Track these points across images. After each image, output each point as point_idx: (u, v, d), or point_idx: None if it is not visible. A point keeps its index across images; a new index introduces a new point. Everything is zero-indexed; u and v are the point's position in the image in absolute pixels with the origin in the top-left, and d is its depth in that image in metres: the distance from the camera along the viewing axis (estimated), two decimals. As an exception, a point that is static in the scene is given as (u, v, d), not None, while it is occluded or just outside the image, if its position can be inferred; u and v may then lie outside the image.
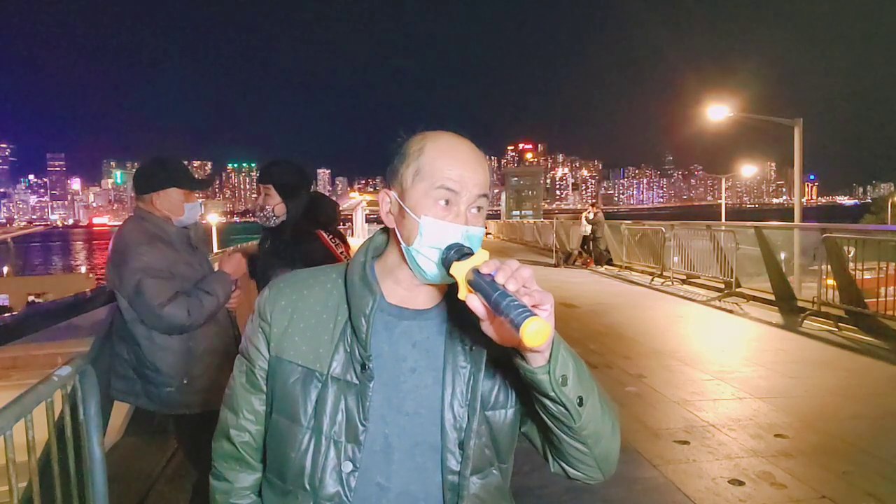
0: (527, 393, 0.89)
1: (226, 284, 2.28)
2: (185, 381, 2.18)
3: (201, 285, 2.20)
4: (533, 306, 0.72)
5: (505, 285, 0.73)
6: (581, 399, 0.85)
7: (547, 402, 0.84)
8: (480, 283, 0.75)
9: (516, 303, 0.70)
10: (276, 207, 2.38)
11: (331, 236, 2.44)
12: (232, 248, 6.45)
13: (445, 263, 0.83)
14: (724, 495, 2.92)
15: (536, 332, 0.67)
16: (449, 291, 0.95)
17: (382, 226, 0.99)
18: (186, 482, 2.77)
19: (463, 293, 0.79)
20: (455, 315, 0.93)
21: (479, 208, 0.90)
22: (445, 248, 0.85)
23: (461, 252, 0.82)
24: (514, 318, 0.68)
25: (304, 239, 2.36)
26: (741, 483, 3.04)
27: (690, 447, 3.49)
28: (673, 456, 3.39)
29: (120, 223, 2.47)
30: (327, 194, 2.71)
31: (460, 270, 0.80)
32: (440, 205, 0.88)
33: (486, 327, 0.79)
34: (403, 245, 0.91)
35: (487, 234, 31.20)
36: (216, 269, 2.39)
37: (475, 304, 0.77)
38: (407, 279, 0.94)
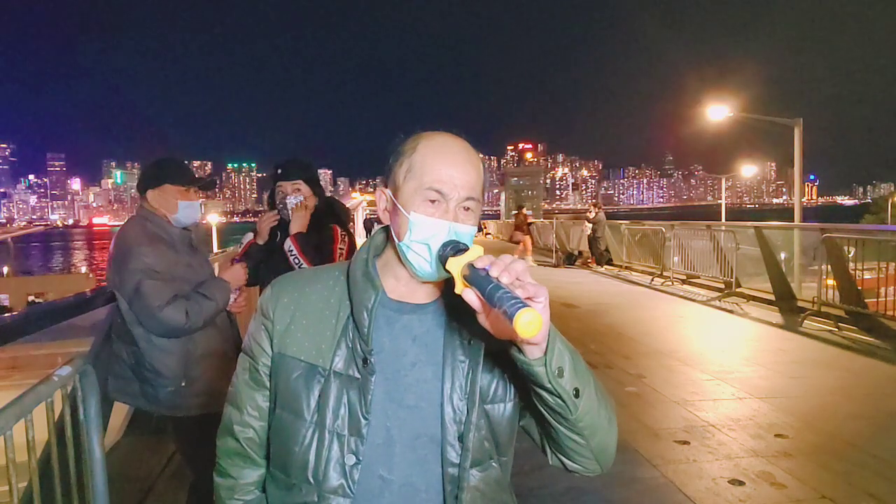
0: (525, 387, 0.91)
1: (225, 291, 2.29)
2: (183, 384, 2.17)
3: (201, 290, 2.20)
4: (527, 299, 0.74)
5: (499, 278, 0.75)
6: (577, 391, 0.86)
7: (544, 393, 0.86)
8: (475, 276, 0.78)
9: (509, 295, 0.72)
10: (308, 199, 2.49)
11: (342, 233, 2.55)
12: (231, 248, 6.43)
13: (442, 259, 0.86)
14: (724, 495, 2.92)
15: (529, 323, 0.69)
16: (447, 286, 0.97)
17: (382, 225, 1.02)
18: (186, 483, 2.77)
19: (459, 287, 0.81)
20: (454, 310, 0.95)
21: (467, 208, 0.93)
22: (441, 245, 0.88)
23: (457, 248, 0.85)
24: (508, 310, 0.70)
25: (323, 229, 2.49)
26: (741, 483, 3.04)
27: (690, 447, 3.49)
28: (673, 456, 3.39)
29: (120, 223, 2.48)
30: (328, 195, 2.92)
31: (456, 265, 0.82)
32: (428, 202, 0.91)
33: (483, 320, 0.80)
34: (396, 240, 0.94)
35: (486, 234, 31.21)
36: (216, 273, 2.41)
37: (471, 297, 0.79)
38: (406, 275, 0.96)
